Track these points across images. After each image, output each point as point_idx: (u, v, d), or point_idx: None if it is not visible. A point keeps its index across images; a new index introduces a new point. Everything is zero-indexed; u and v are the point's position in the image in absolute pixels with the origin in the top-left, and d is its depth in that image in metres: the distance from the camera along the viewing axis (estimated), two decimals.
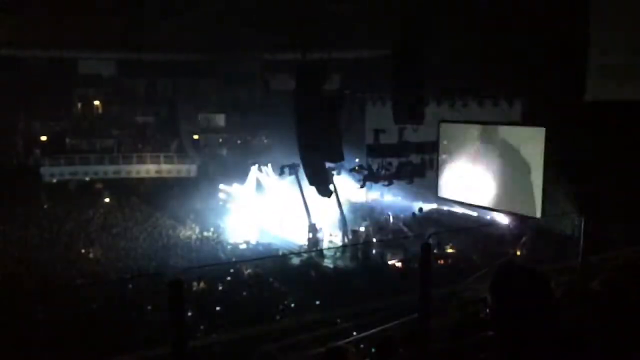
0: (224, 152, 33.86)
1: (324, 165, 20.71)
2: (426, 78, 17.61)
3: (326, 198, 21.34)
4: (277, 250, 22.64)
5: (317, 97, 19.38)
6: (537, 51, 16.68)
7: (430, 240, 5.55)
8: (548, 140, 16.67)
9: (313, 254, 21.48)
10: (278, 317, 14.37)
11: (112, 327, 13.18)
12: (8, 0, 19.59)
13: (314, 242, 22.77)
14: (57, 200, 27.84)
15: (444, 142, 21.04)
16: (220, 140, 34.48)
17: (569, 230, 16.04)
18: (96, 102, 34.44)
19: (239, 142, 34.29)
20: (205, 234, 24.92)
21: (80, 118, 33.70)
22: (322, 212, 23.42)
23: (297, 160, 21.67)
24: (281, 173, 24.38)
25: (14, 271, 19.34)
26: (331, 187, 21.44)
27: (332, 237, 23.85)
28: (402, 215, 24.66)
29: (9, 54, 26.92)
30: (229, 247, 23.47)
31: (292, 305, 15.56)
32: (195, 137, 33.77)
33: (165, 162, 31.41)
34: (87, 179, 30.45)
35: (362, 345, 5.62)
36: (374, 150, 21.66)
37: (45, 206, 27.60)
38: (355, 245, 21.75)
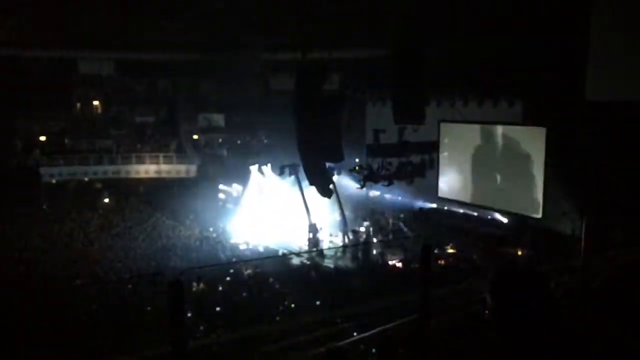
0: (224, 152, 33.78)
1: (324, 165, 20.67)
2: (426, 78, 17.60)
3: (326, 198, 21.34)
4: (277, 250, 22.63)
5: (317, 97, 19.34)
6: (537, 51, 16.68)
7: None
8: (548, 140, 16.71)
9: (313, 254, 21.48)
10: (278, 318, 14.34)
11: (111, 327, 13.17)
12: (8, 0, 19.58)
13: (314, 242, 22.77)
14: (57, 200, 27.81)
15: (444, 142, 21.09)
16: (220, 140, 34.39)
17: (569, 230, 16.07)
18: (95, 102, 34.39)
19: (238, 142, 34.21)
20: (205, 234, 24.90)
21: (80, 118, 33.67)
22: (322, 212, 23.42)
23: (297, 160, 21.60)
24: (281, 173, 24.34)
25: (14, 271, 19.33)
26: (331, 187, 21.43)
27: (332, 237, 23.87)
28: (402, 215, 24.67)
29: (8, 54, 26.88)
30: (228, 247, 23.45)
31: (292, 305, 15.53)
32: (195, 137, 33.71)
33: (165, 163, 31.36)
34: (87, 179, 30.40)
35: (362, 346, 5.61)
36: (374, 150, 21.68)
37: (45, 206, 27.58)
38: (355, 246, 21.75)
